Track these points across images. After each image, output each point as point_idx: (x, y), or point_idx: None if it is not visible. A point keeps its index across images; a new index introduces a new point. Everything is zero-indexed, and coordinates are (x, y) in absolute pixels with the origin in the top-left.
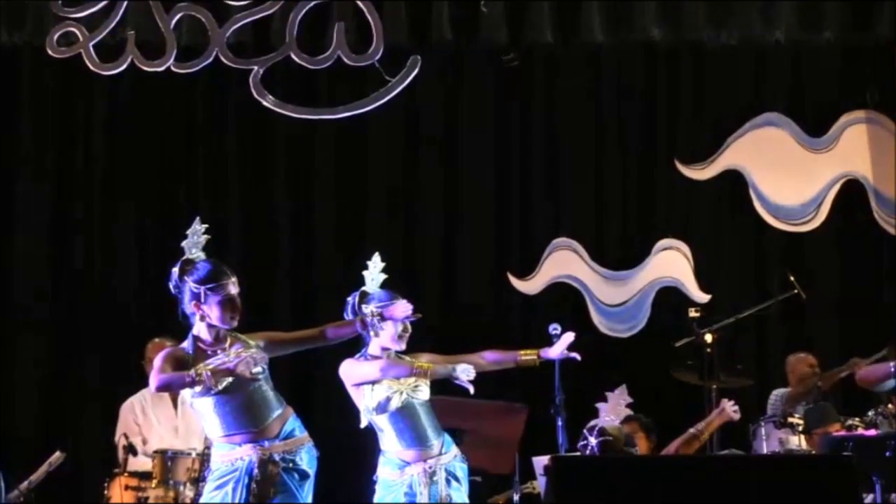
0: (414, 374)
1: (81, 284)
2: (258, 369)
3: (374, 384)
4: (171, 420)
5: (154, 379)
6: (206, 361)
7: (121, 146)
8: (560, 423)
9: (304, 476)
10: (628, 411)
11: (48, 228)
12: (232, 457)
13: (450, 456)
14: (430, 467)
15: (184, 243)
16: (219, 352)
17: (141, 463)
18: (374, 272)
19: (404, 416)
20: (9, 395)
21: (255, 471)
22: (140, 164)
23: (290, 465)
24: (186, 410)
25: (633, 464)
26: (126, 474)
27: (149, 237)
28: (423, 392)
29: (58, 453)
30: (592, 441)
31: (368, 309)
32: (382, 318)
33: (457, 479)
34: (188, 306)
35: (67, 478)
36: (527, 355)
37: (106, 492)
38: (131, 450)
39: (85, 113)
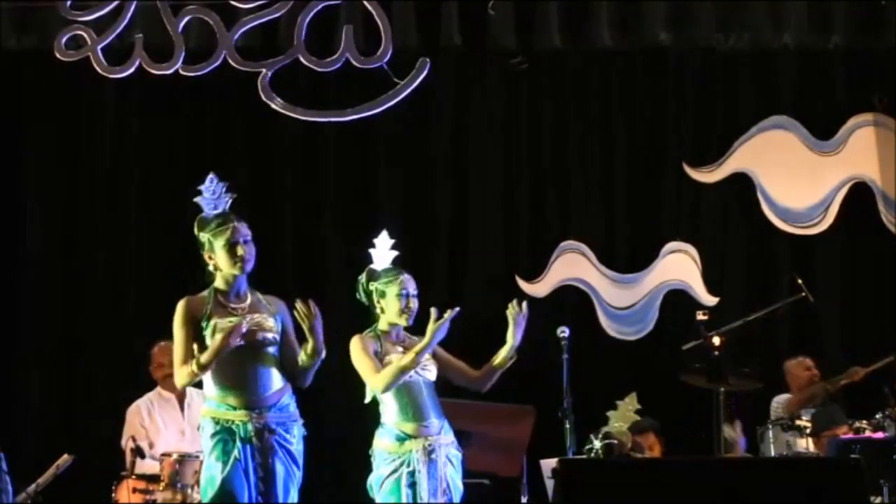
0: (411, 368)
1: (88, 287)
2: (270, 336)
3: (384, 360)
4: (177, 423)
5: (178, 377)
6: (220, 325)
7: (128, 149)
8: (568, 425)
9: (296, 463)
10: (636, 418)
11: (55, 232)
12: (225, 417)
13: (449, 438)
14: (430, 445)
15: (199, 199)
16: (238, 310)
17: (148, 466)
18: (383, 250)
19: (409, 392)
20: (16, 398)
21: (255, 439)
22: (147, 168)
23: (285, 441)
24: (193, 413)
25: (641, 466)
26: (133, 477)
27: (155, 240)
28: (431, 373)
29: (65, 456)
30: (596, 444)
31: (373, 286)
32: (384, 294)
33: (453, 465)
34: (206, 260)
35: (75, 480)
36: (499, 358)
37: (113, 495)
38: (139, 453)
39: (93, 116)
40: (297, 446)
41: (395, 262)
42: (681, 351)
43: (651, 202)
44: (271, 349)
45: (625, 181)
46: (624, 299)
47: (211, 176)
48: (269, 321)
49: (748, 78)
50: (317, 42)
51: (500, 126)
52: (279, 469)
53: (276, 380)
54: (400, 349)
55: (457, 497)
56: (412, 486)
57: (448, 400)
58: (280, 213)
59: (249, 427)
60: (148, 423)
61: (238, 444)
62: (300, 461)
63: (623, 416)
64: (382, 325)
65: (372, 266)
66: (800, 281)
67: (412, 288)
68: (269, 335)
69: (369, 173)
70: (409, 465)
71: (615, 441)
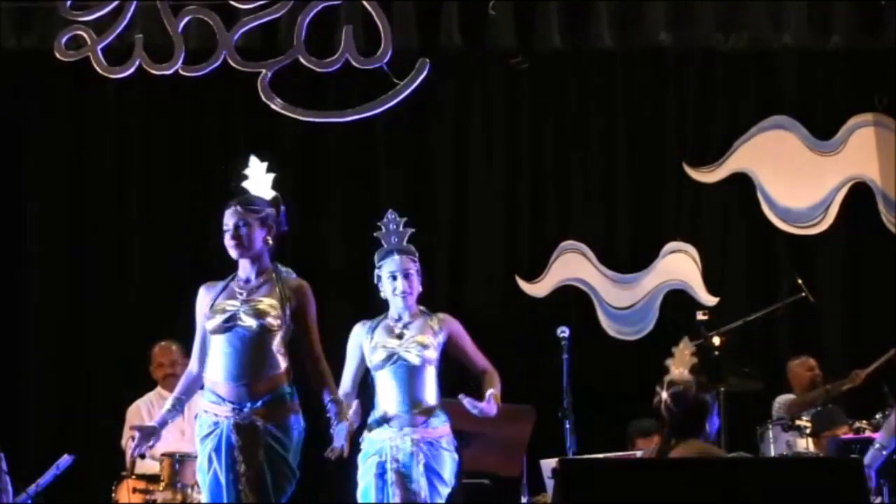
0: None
1: (90, 287)
2: (265, 321)
3: (373, 349)
4: (178, 423)
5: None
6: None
7: (128, 150)
8: (568, 425)
9: (287, 459)
10: (695, 360)
11: (56, 232)
12: (213, 410)
13: (431, 432)
14: (405, 435)
15: (245, 184)
16: (243, 293)
17: (148, 466)
18: (395, 229)
19: (388, 380)
20: (16, 397)
21: (234, 437)
22: (148, 168)
23: (274, 437)
24: (193, 413)
25: (641, 467)
26: (133, 477)
27: (155, 239)
28: (416, 356)
29: (65, 456)
30: (664, 395)
31: (376, 270)
32: (380, 277)
33: (439, 476)
34: None
35: (75, 480)
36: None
37: (113, 495)
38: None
39: (93, 116)
40: (289, 441)
41: (410, 239)
42: None
43: (651, 202)
44: (266, 336)
45: (625, 181)
46: (624, 299)
47: (253, 158)
48: (265, 305)
49: (748, 78)
50: (317, 42)
51: (500, 126)
52: (267, 466)
53: (267, 369)
54: (395, 333)
55: (428, 494)
56: (382, 475)
57: (448, 400)
58: None
59: (232, 422)
60: (148, 423)
61: (220, 440)
62: (293, 457)
63: (682, 361)
64: (391, 308)
65: (381, 249)
66: (800, 281)
67: (404, 267)
68: (262, 321)
69: (369, 173)
70: (380, 455)
71: (682, 388)
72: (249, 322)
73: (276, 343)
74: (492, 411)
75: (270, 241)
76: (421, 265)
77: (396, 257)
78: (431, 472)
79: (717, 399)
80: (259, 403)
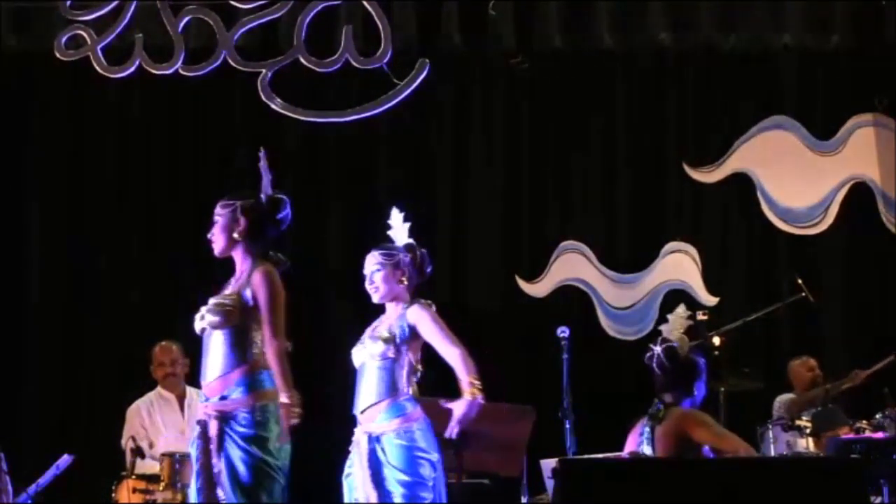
0: None
1: (90, 287)
2: (218, 318)
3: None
4: (177, 423)
5: None
6: None
7: (129, 150)
8: (568, 425)
9: (248, 449)
10: (690, 322)
11: (58, 231)
12: (199, 409)
13: (382, 427)
14: (364, 432)
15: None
16: (225, 290)
17: (148, 466)
18: (398, 226)
19: (358, 374)
20: (16, 397)
21: (202, 435)
22: (148, 169)
23: (236, 433)
24: (193, 413)
25: (641, 467)
26: (133, 477)
27: (156, 240)
28: (372, 348)
29: (65, 456)
30: (657, 349)
31: None
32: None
33: (388, 472)
34: None
35: (75, 480)
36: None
37: (113, 495)
38: (139, 453)
39: (94, 116)
40: (265, 437)
41: (410, 233)
42: None
43: (651, 202)
44: (228, 330)
45: (625, 181)
46: (624, 299)
47: (262, 152)
48: (223, 299)
49: (748, 78)
50: (317, 42)
51: (500, 126)
52: (239, 463)
53: (232, 363)
54: (367, 332)
55: (396, 489)
56: (348, 476)
57: (427, 399)
58: None
59: (203, 419)
60: (148, 423)
61: (195, 438)
62: (272, 454)
63: (678, 324)
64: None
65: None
66: (800, 281)
67: (369, 265)
68: (219, 316)
69: (369, 173)
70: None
71: (675, 344)
72: (210, 318)
73: (241, 336)
74: (459, 413)
75: (243, 236)
76: None
77: (370, 254)
78: (377, 469)
79: (718, 400)
80: (225, 398)
